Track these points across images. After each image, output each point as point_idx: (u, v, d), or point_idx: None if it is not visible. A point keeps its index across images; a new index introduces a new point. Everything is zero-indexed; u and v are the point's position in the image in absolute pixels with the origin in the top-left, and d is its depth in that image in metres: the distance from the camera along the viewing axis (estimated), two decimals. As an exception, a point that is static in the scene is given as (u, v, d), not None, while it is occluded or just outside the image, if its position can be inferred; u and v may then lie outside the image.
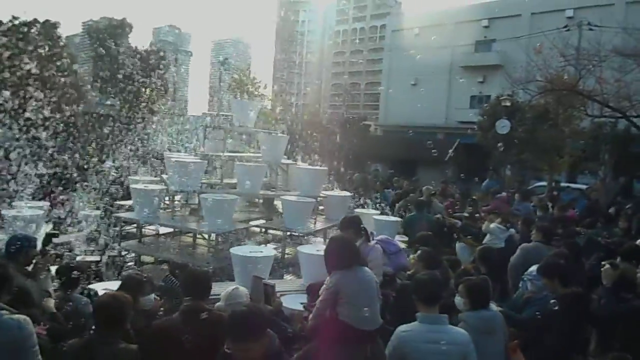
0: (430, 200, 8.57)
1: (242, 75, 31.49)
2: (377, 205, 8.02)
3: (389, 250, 4.01)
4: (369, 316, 2.90)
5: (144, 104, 20.29)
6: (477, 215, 7.49)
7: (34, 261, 3.49)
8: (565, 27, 16.16)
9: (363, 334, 2.91)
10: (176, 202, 7.33)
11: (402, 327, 2.95)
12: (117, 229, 6.74)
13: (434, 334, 2.89)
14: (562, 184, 14.93)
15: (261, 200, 7.94)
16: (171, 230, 7.12)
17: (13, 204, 6.40)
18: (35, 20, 18.61)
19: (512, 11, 27.42)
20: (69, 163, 9.97)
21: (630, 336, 3.41)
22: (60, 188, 9.18)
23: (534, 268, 4.13)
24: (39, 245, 4.42)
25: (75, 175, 9.06)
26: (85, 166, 8.42)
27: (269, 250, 5.18)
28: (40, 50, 17.16)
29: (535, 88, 14.03)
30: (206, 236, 6.55)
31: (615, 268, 3.62)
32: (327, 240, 3.44)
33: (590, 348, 3.89)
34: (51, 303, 2.84)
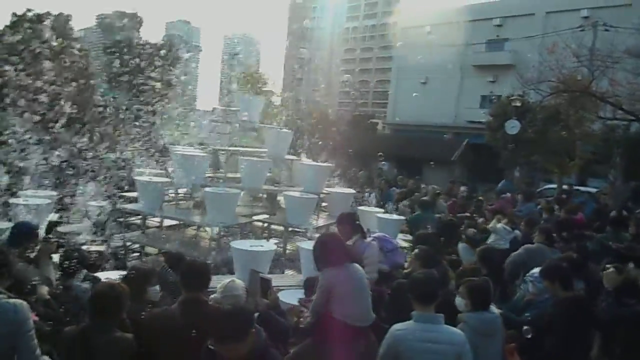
0: (435, 200, 8.51)
1: (251, 72, 31.54)
2: (380, 203, 7.99)
3: (385, 247, 3.99)
4: (362, 312, 2.88)
5: (152, 98, 20.44)
6: (474, 215, 7.41)
7: (36, 248, 3.52)
8: (580, 27, 15.88)
9: (358, 330, 2.90)
10: (180, 195, 7.38)
11: (397, 326, 2.93)
12: (122, 220, 6.80)
13: (429, 333, 2.86)
14: (564, 187, 14.72)
15: (265, 195, 7.96)
16: (175, 222, 7.17)
17: (20, 193, 6.49)
18: (48, 13, 18.81)
19: (526, 10, 27.01)
20: (78, 154, 10.06)
21: (631, 341, 3.35)
22: (69, 179, 9.29)
23: (536, 270, 4.07)
24: (42, 234, 4.49)
25: (83, 166, 9.16)
26: (93, 157, 8.50)
27: (270, 245, 5.19)
28: (53, 43, 17.32)
29: (547, 88, 13.83)
30: (208, 229, 6.58)
31: (619, 272, 3.55)
32: (317, 237, 3.43)
33: (592, 353, 3.83)
34: (45, 290, 2.88)
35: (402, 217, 7.31)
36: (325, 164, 7.86)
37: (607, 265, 3.66)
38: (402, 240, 6.44)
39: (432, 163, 19.13)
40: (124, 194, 7.67)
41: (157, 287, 3.41)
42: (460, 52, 29.34)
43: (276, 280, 5.18)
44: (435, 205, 8.71)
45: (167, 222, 7.24)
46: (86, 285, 3.62)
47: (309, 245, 5.01)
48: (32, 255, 3.52)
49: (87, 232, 6.69)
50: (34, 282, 2.80)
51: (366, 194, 7.89)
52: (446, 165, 23.83)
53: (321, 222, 6.94)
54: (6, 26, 16.95)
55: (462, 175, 22.70)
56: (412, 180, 11.65)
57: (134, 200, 7.09)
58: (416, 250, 3.88)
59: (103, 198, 7.65)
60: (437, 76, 29.89)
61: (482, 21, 29.37)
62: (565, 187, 14.43)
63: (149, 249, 6.63)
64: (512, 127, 15.54)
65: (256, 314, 3.21)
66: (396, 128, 33.17)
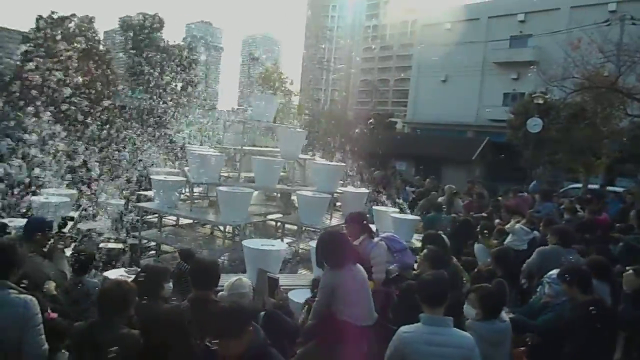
0: (452, 199, 8.36)
1: (270, 71, 31.69)
2: (395, 203, 7.89)
3: (393, 248, 3.91)
4: (366, 312, 2.85)
5: (172, 98, 20.74)
6: (492, 215, 7.22)
7: (49, 243, 3.60)
8: (606, 21, 15.33)
9: (362, 329, 2.86)
10: (196, 194, 7.45)
11: (404, 328, 2.86)
12: (139, 218, 6.91)
13: (437, 336, 2.79)
14: (594, 186, 14.24)
15: (279, 195, 7.96)
16: (190, 221, 7.25)
17: (42, 190, 6.67)
18: (73, 15, 19.35)
19: (550, 5, 26.27)
20: (98, 153, 10.28)
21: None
22: (91, 177, 9.51)
23: (554, 271, 3.93)
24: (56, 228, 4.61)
25: (103, 165, 9.36)
26: (110, 157, 8.68)
27: (281, 244, 5.18)
28: (77, 45, 17.79)
29: (571, 85, 13.41)
30: (222, 228, 6.63)
31: (638, 275, 3.39)
32: (321, 234, 3.40)
33: (616, 357, 3.67)
34: (52, 285, 2.94)
35: (417, 217, 7.20)
36: (338, 164, 7.80)
37: (627, 268, 3.50)
38: (417, 241, 6.33)
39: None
40: (142, 192, 7.80)
41: (171, 284, 3.46)
42: (481, 49, 28.80)
43: (288, 279, 5.17)
44: (453, 204, 8.56)
45: (183, 221, 7.32)
46: (96, 281, 3.70)
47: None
48: (46, 249, 3.61)
49: (106, 229, 6.83)
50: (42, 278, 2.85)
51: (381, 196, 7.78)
52: (466, 164, 23.43)
53: (335, 221, 6.89)
54: (32, 28, 17.50)
55: (482, 174, 22.28)
56: (428, 180, 11.45)
57: (151, 199, 7.20)
58: (425, 251, 3.79)
59: (121, 196, 7.81)
60: (458, 74, 29.42)
61: (504, 17, 28.78)
62: (595, 186, 13.99)
63: (164, 247, 6.73)
64: (535, 125, 15.14)
65: (262, 313, 3.21)
66: (416, 127, 32.81)
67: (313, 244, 5.13)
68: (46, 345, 2.48)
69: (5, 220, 5.00)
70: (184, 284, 3.75)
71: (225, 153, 7.38)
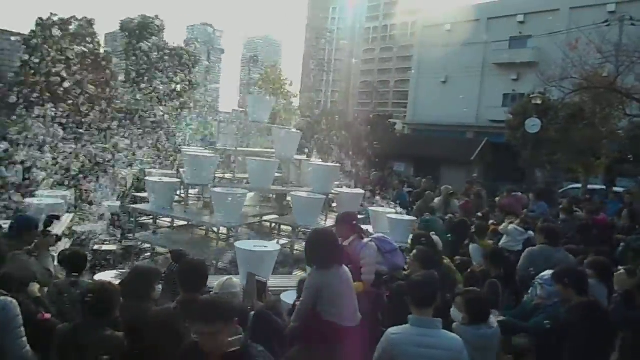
0: (448, 200, 8.33)
1: (269, 73, 31.68)
2: (390, 203, 7.85)
3: (384, 248, 3.86)
4: (351, 312, 2.82)
5: (171, 100, 20.75)
6: (480, 215, 7.19)
7: (35, 241, 3.60)
8: (605, 22, 15.29)
9: (348, 330, 2.83)
10: (191, 196, 7.43)
11: (393, 329, 2.83)
12: (134, 219, 6.88)
13: (425, 337, 2.75)
14: (596, 187, 14.19)
15: (274, 196, 7.93)
16: (185, 222, 7.22)
17: (36, 193, 6.66)
18: (73, 18, 19.31)
19: (549, 6, 26.27)
20: (96, 156, 10.28)
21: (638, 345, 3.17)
22: (87, 179, 9.51)
23: (546, 272, 3.89)
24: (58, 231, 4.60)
25: (100, 167, 9.35)
26: (107, 160, 8.68)
27: (274, 245, 5.14)
28: (76, 48, 17.78)
29: (570, 86, 13.37)
30: (217, 229, 6.59)
31: (630, 275, 3.35)
32: (310, 232, 3.37)
33: (613, 357, 3.62)
34: (35, 287, 2.92)
35: (413, 218, 7.16)
36: (333, 164, 7.77)
37: (619, 268, 3.46)
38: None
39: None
40: (137, 194, 7.78)
41: (160, 286, 3.43)
42: (481, 50, 28.81)
43: (283, 281, 5.14)
44: (449, 205, 8.53)
45: (179, 222, 7.29)
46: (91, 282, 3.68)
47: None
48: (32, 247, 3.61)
49: (102, 231, 6.82)
50: (25, 279, 2.84)
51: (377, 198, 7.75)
52: (465, 165, 23.42)
53: (330, 222, 6.85)
54: (32, 31, 17.48)
55: (481, 175, 22.24)
56: (424, 180, 11.36)
57: (146, 200, 7.18)
58: (415, 251, 3.75)
59: (116, 198, 7.80)
60: (458, 75, 29.43)
61: (504, 18, 28.77)
62: (595, 187, 13.93)
63: (159, 249, 6.69)
64: (533, 125, 15.10)
65: (252, 313, 3.18)
66: (416, 128, 32.80)
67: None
68: (28, 348, 2.46)
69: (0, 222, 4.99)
70: (175, 286, 3.73)
71: (220, 154, 7.35)
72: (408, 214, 7.60)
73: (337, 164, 8.03)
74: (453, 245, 6.34)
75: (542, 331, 3.51)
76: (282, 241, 6.84)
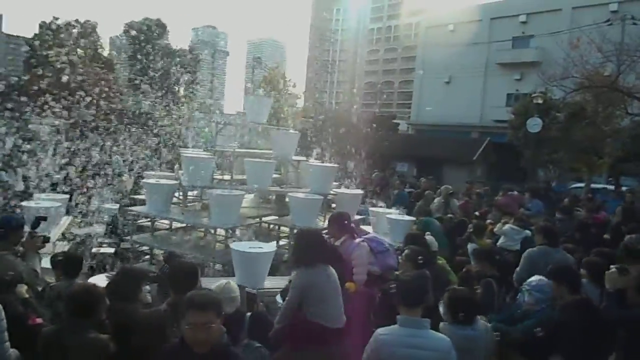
0: (448, 199, 8.31)
1: (273, 74, 31.73)
2: (388, 203, 7.84)
3: (375, 249, 3.86)
4: (337, 313, 2.81)
5: (174, 102, 20.85)
6: (478, 214, 7.15)
7: (22, 241, 3.63)
8: (607, 21, 15.20)
9: (334, 331, 2.82)
10: (189, 197, 7.44)
11: (381, 330, 2.83)
12: (132, 222, 6.91)
13: (413, 338, 2.75)
14: (598, 185, 14.10)
15: (274, 197, 7.94)
16: (184, 224, 7.23)
17: (34, 195, 6.66)
18: (76, 21, 19.54)
19: (552, 5, 26.23)
20: (98, 158, 10.32)
21: (633, 345, 3.13)
22: (87, 182, 9.55)
23: (534, 278, 3.85)
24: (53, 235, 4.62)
25: (101, 170, 9.40)
26: (106, 162, 8.72)
27: (270, 246, 5.14)
28: (80, 51, 17.94)
29: (571, 85, 13.31)
30: (212, 231, 6.61)
31: (622, 273, 3.32)
32: (297, 232, 3.36)
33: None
34: (24, 289, 2.93)
35: (413, 218, 7.14)
36: (331, 165, 7.76)
37: (611, 266, 3.43)
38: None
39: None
40: (136, 196, 7.80)
41: (148, 287, 3.44)
42: (484, 50, 28.75)
43: (279, 282, 5.13)
44: (449, 205, 8.51)
45: (177, 224, 7.31)
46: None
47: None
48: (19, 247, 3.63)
49: (100, 234, 6.84)
50: (10, 278, 2.84)
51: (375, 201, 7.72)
52: (468, 165, 23.37)
53: (328, 223, 6.84)
54: (35, 34, 17.67)
55: (483, 175, 22.18)
56: (424, 180, 11.32)
57: (144, 202, 7.19)
58: (407, 251, 3.74)
59: (115, 200, 7.82)
60: (462, 75, 29.39)
61: (507, 18, 28.74)
62: (598, 185, 13.83)
63: (158, 251, 6.71)
64: (534, 125, 15.04)
65: (248, 314, 3.19)
66: (420, 128, 32.76)
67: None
68: (10, 352, 2.46)
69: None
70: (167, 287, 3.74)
71: (218, 156, 7.37)
72: (409, 214, 7.58)
73: (337, 165, 8.01)
74: (452, 245, 6.32)
75: (532, 337, 3.49)
76: (282, 242, 6.84)
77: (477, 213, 7.27)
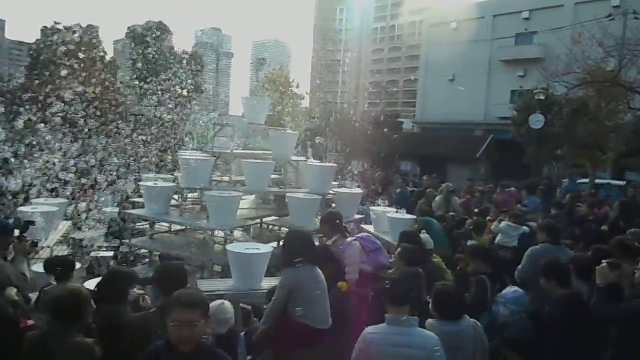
0: (449, 197, 8.28)
1: (276, 75, 31.75)
2: (388, 202, 7.82)
3: (367, 247, 3.85)
4: (324, 314, 2.80)
5: (177, 105, 20.91)
6: (477, 211, 7.12)
7: (10, 246, 3.65)
8: (609, 16, 15.07)
9: (320, 332, 2.82)
10: (188, 199, 7.47)
11: (370, 329, 2.83)
12: (131, 225, 6.94)
13: (401, 336, 2.75)
14: (602, 181, 13.97)
15: (274, 198, 7.95)
16: (183, 227, 7.25)
17: (32, 200, 6.68)
18: (78, 25, 19.68)
19: (554, 1, 26.10)
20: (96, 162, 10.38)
21: (625, 340, 3.11)
22: (87, 186, 9.61)
23: (507, 291, 3.82)
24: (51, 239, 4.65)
25: (101, 174, 9.45)
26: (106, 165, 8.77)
27: (266, 247, 5.14)
28: (81, 55, 18.07)
29: (573, 80, 13.22)
30: (209, 232, 6.62)
31: (612, 268, 3.29)
32: (286, 233, 3.36)
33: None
34: (13, 291, 2.95)
35: (414, 217, 7.11)
36: (330, 164, 7.75)
37: (602, 261, 3.40)
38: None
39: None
40: (135, 199, 7.83)
41: (136, 289, 3.44)
42: (487, 47, 28.63)
43: (277, 283, 5.14)
44: (450, 202, 8.48)
45: (176, 227, 7.34)
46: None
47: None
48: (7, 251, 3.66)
49: (99, 238, 6.86)
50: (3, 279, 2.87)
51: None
52: (471, 162, 23.28)
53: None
54: (37, 39, 17.84)
55: (487, 172, 22.08)
56: (426, 178, 11.26)
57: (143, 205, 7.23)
58: (399, 249, 3.73)
59: (114, 204, 7.85)
60: (465, 73, 29.27)
61: (509, 15, 28.62)
62: (602, 181, 13.71)
63: (156, 254, 6.74)
64: (537, 121, 14.95)
65: (242, 333, 3.18)
66: (425, 126, 32.68)
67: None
68: None
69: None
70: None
71: (216, 157, 7.40)
72: (411, 212, 7.53)
73: (337, 164, 8.01)
74: (453, 244, 6.30)
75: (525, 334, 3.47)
76: (282, 242, 6.84)
77: (476, 210, 7.24)
